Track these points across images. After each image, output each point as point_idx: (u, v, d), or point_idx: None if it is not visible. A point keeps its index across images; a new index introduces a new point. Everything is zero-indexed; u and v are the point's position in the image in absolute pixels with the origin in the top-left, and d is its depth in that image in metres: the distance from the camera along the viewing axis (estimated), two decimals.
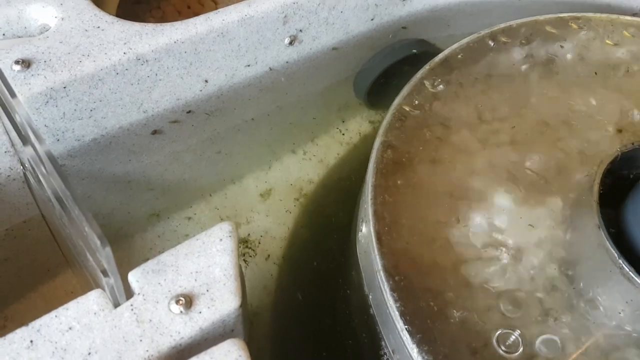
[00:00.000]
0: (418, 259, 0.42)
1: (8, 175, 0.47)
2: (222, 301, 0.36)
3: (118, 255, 0.33)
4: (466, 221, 0.44)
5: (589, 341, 0.40)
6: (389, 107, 0.51)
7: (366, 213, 0.44)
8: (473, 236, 0.44)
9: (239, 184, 0.63)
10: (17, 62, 0.45)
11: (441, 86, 0.52)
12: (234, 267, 0.38)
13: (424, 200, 0.45)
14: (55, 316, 0.34)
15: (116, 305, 0.35)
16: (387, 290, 0.40)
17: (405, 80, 0.54)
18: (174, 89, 0.52)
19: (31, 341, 0.33)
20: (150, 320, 0.35)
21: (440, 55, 0.54)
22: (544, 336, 0.40)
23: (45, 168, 0.34)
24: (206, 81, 0.54)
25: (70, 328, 0.34)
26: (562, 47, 0.56)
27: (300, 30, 0.57)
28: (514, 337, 0.39)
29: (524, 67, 0.55)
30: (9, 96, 0.35)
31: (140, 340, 0.34)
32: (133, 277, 0.36)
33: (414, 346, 0.38)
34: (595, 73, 0.54)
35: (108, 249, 0.29)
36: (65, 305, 0.35)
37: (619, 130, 0.50)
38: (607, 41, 0.57)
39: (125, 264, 0.53)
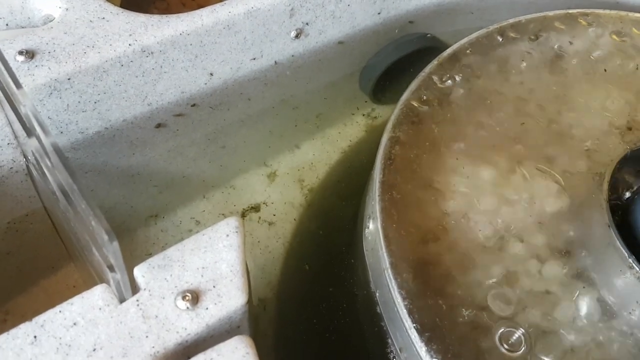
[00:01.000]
0: (426, 257, 0.42)
1: (10, 168, 0.46)
2: (228, 297, 0.36)
3: (120, 249, 0.33)
4: (475, 218, 0.44)
5: (599, 341, 0.39)
6: (395, 102, 0.51)
7: (373, 210, 0.44)
8: (482, 234, 0.43)
9: (243, 178, 0.62)
10: (20, 53, 0.44)
11: (449, 81, 0.52)
12: (240, 263, 0.37)
13: (432, 197, 0.45)
14: (60, 311, 0.34)
15: (122, 300, 0.34)
16: (395, 287, 0.40)
17: (411, 76, 0.53)
18: (179, 81, 0.52)
19: (35, 337, 0.33)
20: (157, 316, 0.34)
21: (449, 50, 0.54)
22: (553, 335, 0.39)
23: (50, 161, 0.33)
24: (211, 74, 0.53)
25: (74, 323, 0.33)
26: (571, 43, 0.56)
27: (307, 24, 0.56)
28: (522, 335, 0.39)
29: (532, 63, 0.54)
30: (13, 87, 0.34)
31: (147, 337, 0.33)
32: (139, 272, 0.36)
33: (422, 344, 0.38)
34: (605, 70, 0.54)
35: (116, 244, 0.29)
36: (69, 300, 0.34)
37: (629, 128, 0.49)
38: (617, 38, 0.56)
39: (127, 258, 0.52)
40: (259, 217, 0.61)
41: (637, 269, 0.39)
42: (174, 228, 0.59)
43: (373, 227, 0.44)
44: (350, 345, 0.49)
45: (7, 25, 0.48)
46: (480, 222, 0.44)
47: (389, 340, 0.43)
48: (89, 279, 0.48)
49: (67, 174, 0.30)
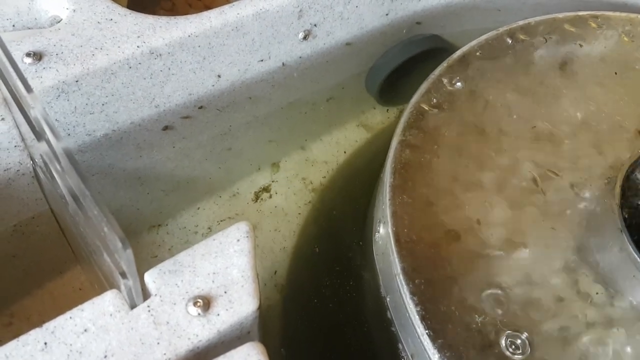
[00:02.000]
0: (438, 262, 0.41)
1: (17, 170, 0.46)
2: (240, 303, 0.35)
3: None
4: (487, 222, 0.43)
5: (614, 347, 0.39)
6: (401, 103, 0.50)
7: (384, 214, 0.43)
8: (494, 238, 0.43)
9: (250, 181, 0.62)
10: (28, 55, 0.44)
11: (459, 84, 0.51)
12: (251, 268, 0.37)
13: (443, 201, 0.44)
14: (70, 317, 0.33)
15: (133, 306, 0.34)
16: (407, 293, 0.39)
17: (419, 77, 0.53)
18: (187, 83, 0.51)
19: (45, 343, 0.33)
20: (168, 322, 0.34)
21: (458, 53, 0.53)
22: (567, 342, 0.39)
23: (60, 165, 0.33)
24: (219, 76, 0.53)
25: (85, 330, 0.33)
26: (580, 45, 0.55)
27: (315, 25, 0.56)
28: (532, 342, 0.39)
29: (542, 65, 0.54)
30: (23, 90, 0.34)
31: (158, 343, 0.33)
32: (150, 277, 0.35)
33: (435, 351, 0.37)
34: (615, 73, 0.53)
35: (129, 252, 0.29)
36: (80, 306, 0.34)
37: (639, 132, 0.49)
38: (627, 40, 0.56)
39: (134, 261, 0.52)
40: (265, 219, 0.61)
41: None
42: (180, 230, 0.59)
43: (384, 232, 0.44)
44: (360, 350, 0.49)
45: (13, 26, 0.48)
46: (493, 227, 0.43)
47: (400, 346, 0.42)
48: (95, 282, 0.48)
49: (78, 178, 0.30)
